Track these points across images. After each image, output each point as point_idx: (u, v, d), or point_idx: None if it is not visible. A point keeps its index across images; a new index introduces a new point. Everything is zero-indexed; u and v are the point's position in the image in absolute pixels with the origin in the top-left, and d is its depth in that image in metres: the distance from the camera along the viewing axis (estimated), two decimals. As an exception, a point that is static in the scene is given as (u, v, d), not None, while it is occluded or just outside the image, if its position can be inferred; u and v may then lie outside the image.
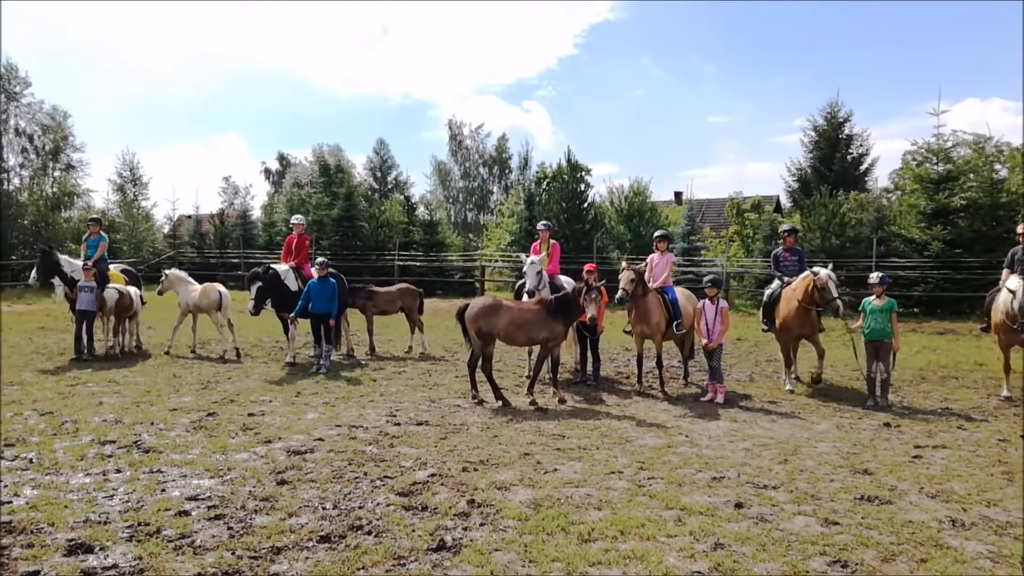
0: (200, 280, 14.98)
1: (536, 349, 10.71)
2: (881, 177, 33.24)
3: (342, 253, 31.55)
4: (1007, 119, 74.63)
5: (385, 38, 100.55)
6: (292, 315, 12.54)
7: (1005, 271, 10.95)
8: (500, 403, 9.55)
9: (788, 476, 6.63)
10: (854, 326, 10.49)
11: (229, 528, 5.28)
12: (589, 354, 11.67)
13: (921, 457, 7.37)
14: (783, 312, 11.02)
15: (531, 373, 11.71)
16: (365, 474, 6.59)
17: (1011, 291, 10.10)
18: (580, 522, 5.40)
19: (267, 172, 71.25)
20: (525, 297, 10.98)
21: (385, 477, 6.49)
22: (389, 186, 58.10)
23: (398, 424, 8.51)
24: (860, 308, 10.28)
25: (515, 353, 13.64)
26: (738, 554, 4.86)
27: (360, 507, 5.73)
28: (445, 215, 54.36)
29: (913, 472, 6.83)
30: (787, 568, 4.67)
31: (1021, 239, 10.99)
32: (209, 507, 5.69)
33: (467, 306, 10.04)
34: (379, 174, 59.92)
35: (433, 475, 6.55)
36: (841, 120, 32.19)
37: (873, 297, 10.14)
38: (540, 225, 12.70)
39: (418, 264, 31.52)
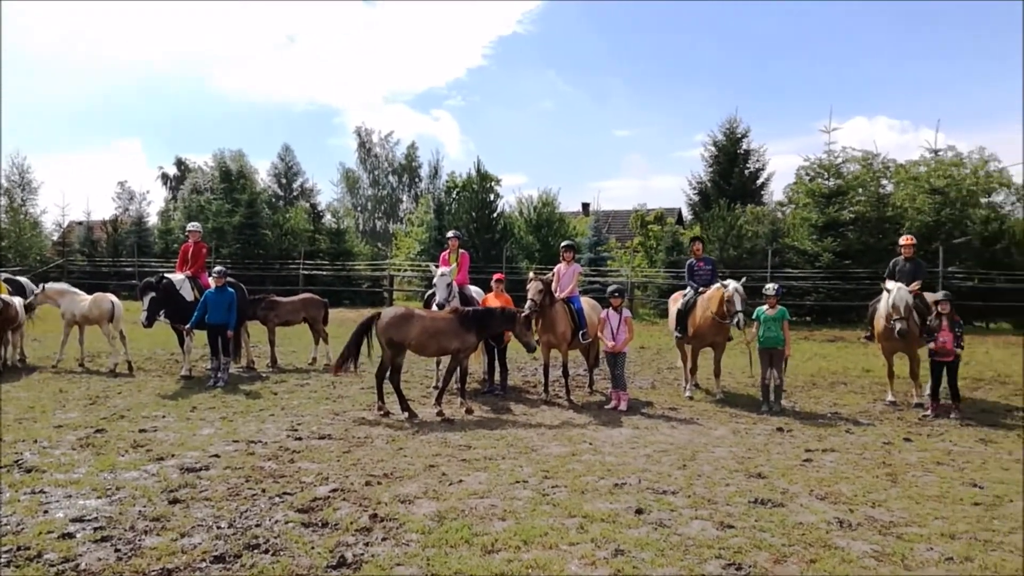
0: (91, 290, 14.25)
1: (445, 360, 10.69)
2: (776, 191, 34.77)
3: (244, 262, 30.65)
4: (892, 136, 79.25)
5: (292, 45, 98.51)
6: (188, 326, 12.07)
7: (886, 281, 11.60)
8: (406, 415, 9.46)
9: (687, 481, 6.81)
10: (749, 336, 10.90)
11: (117, 551, 5.03)
12: (496, 364, 11.72)
13: (811, 460, 7.70)
14: (698, 320, 11.33)
15: (439, 384, 11.68)
16: (263, 491, 6.40)
17: (887, 290, 10.70)
18: (484, 533, 5.40)
19: (164, 177, 68.49)
20: (435, 308, 10.93)
21: (284, 493, 6.32)
22: (294, 193, 56.75)
23: (299, 438, 8.31)
24: (754, 317, 10.69)
25: (423, 364, 13.55)
26: (638, 560, 4.96)
27: (257, 525, 5.56)
28: (353, 223, 53.52)
29: (804, 475, 7.13)
30: (684, 572, 4.80)
31: (902, 251, 11.67)
32: (95, 529, 5.42)
33: (373, 316, 9.91)
34: (284, 181, 58.45)
35: (335, 490, 6.43)
36: (739, 136, 33.46)
37: (766, 307, 10.56)
38: (450, 234, 12.69)
39: (324, 273, 30.91)
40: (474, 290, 12.53)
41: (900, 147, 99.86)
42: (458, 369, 10.05)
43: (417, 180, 67.05)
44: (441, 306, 10.85)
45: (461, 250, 12.47)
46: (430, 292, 12.10)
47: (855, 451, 8.15)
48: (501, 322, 10.06)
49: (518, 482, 6.71)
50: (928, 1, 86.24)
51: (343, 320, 21.96)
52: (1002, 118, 78.61)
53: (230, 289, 12.24)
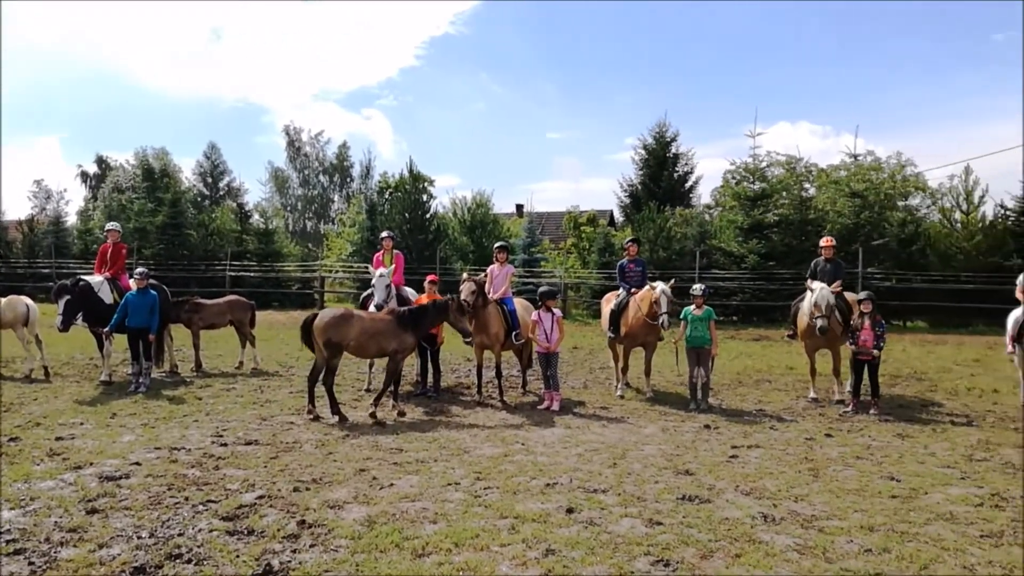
0: (5, 292, 13.59)
1: (378, 363, 10.56)
2: (704, 194, 35.55)
3: (167, 263, 29.73)
4: (815, 141, 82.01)
5: (218, 40, 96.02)
6: (107, 330, 11.61)
7: (809, 281, 11.96)
8: (337, 418, 9.30)
9: (617, 479, 6.88)
10: (677, 336, 11.09)
11: (31, 563, 4.81)
12: (430, 365, 11.64)
13: (737, 457, 7.88)
14: (630, 320, 11.47)
15: (371, 387, 11.55)
16: (186, 499, 6.19)
17: (811, 289, 11.04)
18: (415, 537, 5.34)
19: (84, 176, 65.94)
20: (372, 309, 10.82)
21: (208, 501, 6.14)
22: (221, 193, 55.42)
23: (225, 444, 8.08)
24: (682, 317, 10.89)
25: (355, 367, 13.36)
26: (568, 559, 4.98)
27: (180, 534, 5.38)
28: (282, 224, 52.50)
29: (730, 471, 7.29)
30: (614, 570, 4.84)
31: (823, 252, 12.07)
32: (8, 541, 5.16)
33: (314, 317, 9.73)
34: (210, 180, 57.05)
35: (261, 497, 6.27)
36: (668, 140, 34.11)
37: (694, 307, 10.78)
38: (383, 235, 12.59)
39: (252, 275, 30.22)
40: (409, 291, 12.44)
41: (822, 152, 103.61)
42: (386, 372, 9.94)
43: (349, 180, 66.25)
44: (379, 307, 10.75)
45: (396, 251, 12.38)
46: (366, 293, 12.01)
47: (779, 447, 8.37)
48: (435, 315, 10.01)
49: (450, 484, 6.67)
50: (848, 2, 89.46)
51: (271, 323, 21.54)
52: (918, 124, 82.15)
53: (152, 291, 11.84)
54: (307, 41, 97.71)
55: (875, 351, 10.42)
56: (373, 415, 9.40)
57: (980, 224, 26.67)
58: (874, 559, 5.08)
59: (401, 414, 9.70)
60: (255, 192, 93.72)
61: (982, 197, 27.91)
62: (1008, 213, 25.62)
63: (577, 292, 28.34)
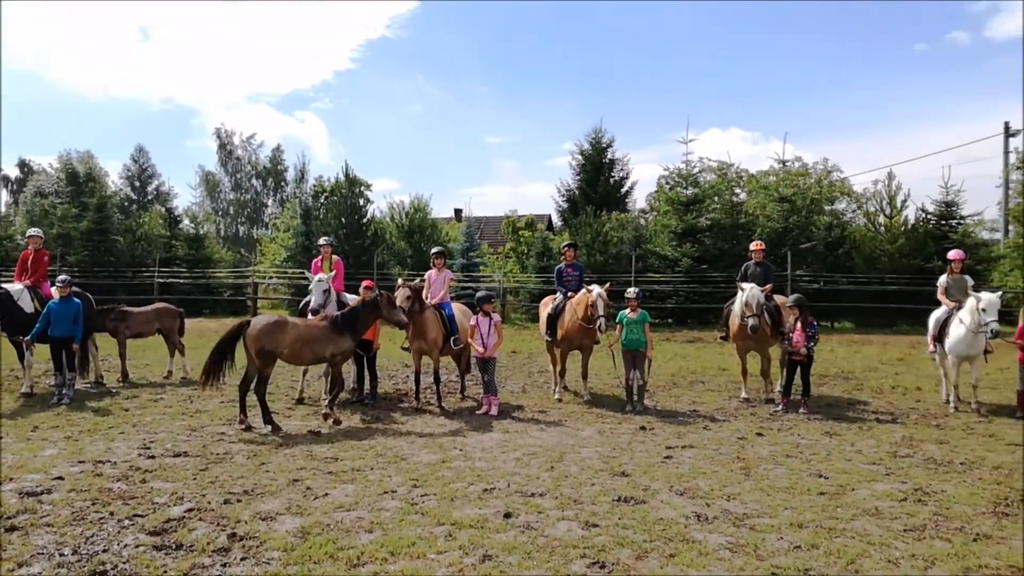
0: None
1: (313, 370, 10.36)
2: (640, 199, 36.09)
3: (92, 270, 28.67)
4: (745, 147, 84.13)
5: (146, 40, 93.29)
6: (28, 339, 11.13)
7: (740, 283, 12.22)
8: (270, 428, 9.09)
9: (554, 483, 6.91)
10: (613, 339, 11.20)
11: (-63, 590, 4.56)
12: (366, 372, 11.50)
13: (672, 457, 7.99)
14: (566, 324, 11.53)
15: (302, 396, 11.34)
16: (111, 514, 5.97)
17: (742, 289, 11.30)
18: (350, 547, 5.25)
19: (5, 180, 63.24)
20: (310, 316, 10.64)
21: (135, 516, 5.92)
22: (149, 197, 53.73)
23: (152, 457, 7.82)
24: (617, 320, 11.01)
25: (288, 375, 13.10)
26: (505, 564, 4.96)
27: (104, 551, 5.18)
28: (213, 229, 51.30)
29: (665, 472, 7.39)
30: (551, 573, 4.84)
31: (753, 255, 12.36)
32: (-89, 567, 4.88)
33: (242, 325, 9.48)
34: (137, 184, 55.22)
35: (190, 510, 6.09)
36: (604, 145, 34.46)
37: (629, 310, 10.91)
38: (322, 241, 12.47)
39: (182, 281, 29.39)
40: (349, 297, 12.27)
41: (752, 157, 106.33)
42: (328, 378, 9.79)
43: (283, 184, 65.02)
44: (315, 312, 10.59)
45: (335, 256, 12.23)
46: (305, 300, 11.82)
47: (712, 447, 8.52)
48: (368, 313, 9.89)
49: (386, 492, 6.58)
50: (778, 2, 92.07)
51: (202, 331, 20.98)
52: (843, 131, 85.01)
53: (76, 299, 11.40)
54: (239, 42, 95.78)
55: (802, 349, 10.67)
56: (329, 418, 9.43)
57: (903, 228, 27.69)
58: (803, 555, 5.20)
59: (337, 422, 9.54)
60: (185, 196, 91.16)
61: (904, 202, 29.05)
62: (929, 217, 26.66)
63: (516, 296, 28.41)
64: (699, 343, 20.21)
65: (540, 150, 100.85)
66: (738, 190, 29.20)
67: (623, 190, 34.95)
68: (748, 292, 11.07)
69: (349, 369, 11.92)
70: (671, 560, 5.09)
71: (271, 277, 31.15)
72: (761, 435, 9.15)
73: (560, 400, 11.44)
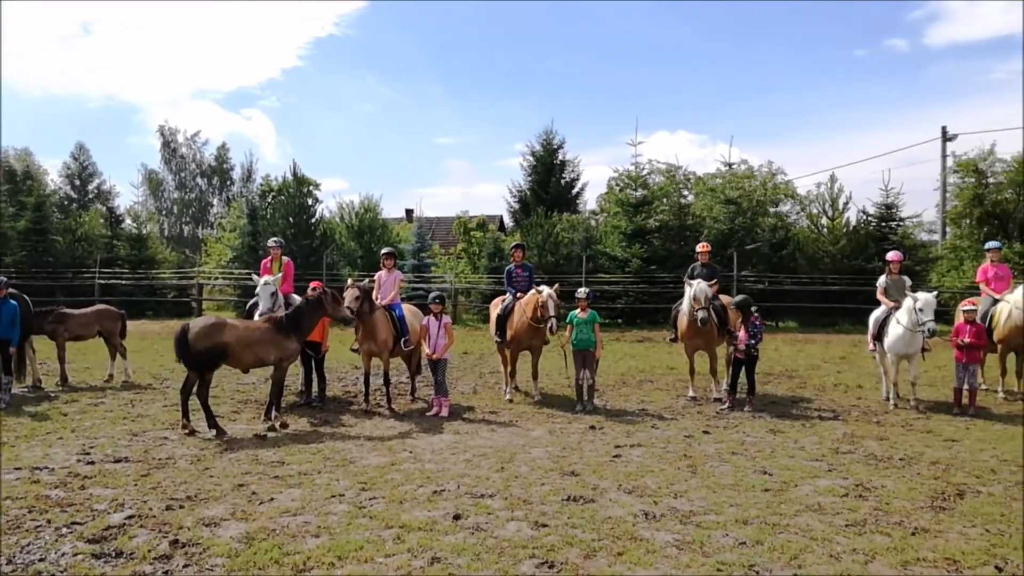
0: None
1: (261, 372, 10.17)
2: (590, 200, 36.33)
3: (30, 271, 27.75)
4: (692, 150, 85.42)
5: (86, 35, 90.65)
6: (-41, 343, 10.73)
7: (687, 280, 12.36)
8: (214, 432, 8.90)
9: (504, 483, 6.90)
10: (564, 339, 11.25)
11: None
12: (314, 375, 11.34)
13: (620, 456, 8.06)
14: (515, 325, 11.53)
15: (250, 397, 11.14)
16: (48, 522, 5.79)
17: (690, 285, 11.45)
18: (295, 552, 5.17)
19: (-66, 178, 60.82)
20: (257, 318, 10.46)
21: (73, 523, 5.75)
22: (90, 196, 52.27)
23: (92, 463, 7.59)
24: (568, 321, 11.07)
25: (233, 378, 12.86)
26: (454, 566, 4.94)
27: (41, 559, 5.04)
28: (157, 228, 50.07)
29: (613, 470, 7.44)
30: (499, 574, 4.84)
31: (699, 256, 12.56)
32: None
33: (184, 328, 9.26)
34: (77, 182, 53.73)
35: (131, 517, 5.93)
36: (555, 147, 34.59)
37: (579, 310, 10.97)
38: (271, 242, 12.31)
39: (124, 283, 28.61)
40: (298, 299, 12.08)
41: (699, 160, 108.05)
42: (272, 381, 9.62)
43: (229, 183, 63.77)
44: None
45: (285, 258, 12.06)
46: (252, 302, 11.62)
47: (660, 445, 8.62)
48: (313, 312, 9.72)
49: (334, 496, 6.50)
50: (721, 2, 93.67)
51: (145, 333, 20.51)
52: (788, 134, 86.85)
53: (12, 301, 11.04)
54: (184, 38, 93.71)
55: (743, 347, 10.85)
56: (277, 420, 9.27)
57: (844, 229, 28.41)
58: (748, 551, 5.29)
59: (284, 425, 9.39)
60: (127, 195, 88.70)
61: (846, 204, 29.85)
62: (870, 219, 27.41)
63: (468, 297, 28.35)
64: (648, 343, 20.43)
65: (492, 151, 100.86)
66: (686, 192, 29.63)
67: (574, 191, 35.15)
68: (696, 287, 11.23)
69: (297, 371, 11.76)
70: (619, 558, 5.13)
71: (217, 278, 30.53)
72: (707, 433, 9.29)
73: (511, 401, 11.45)
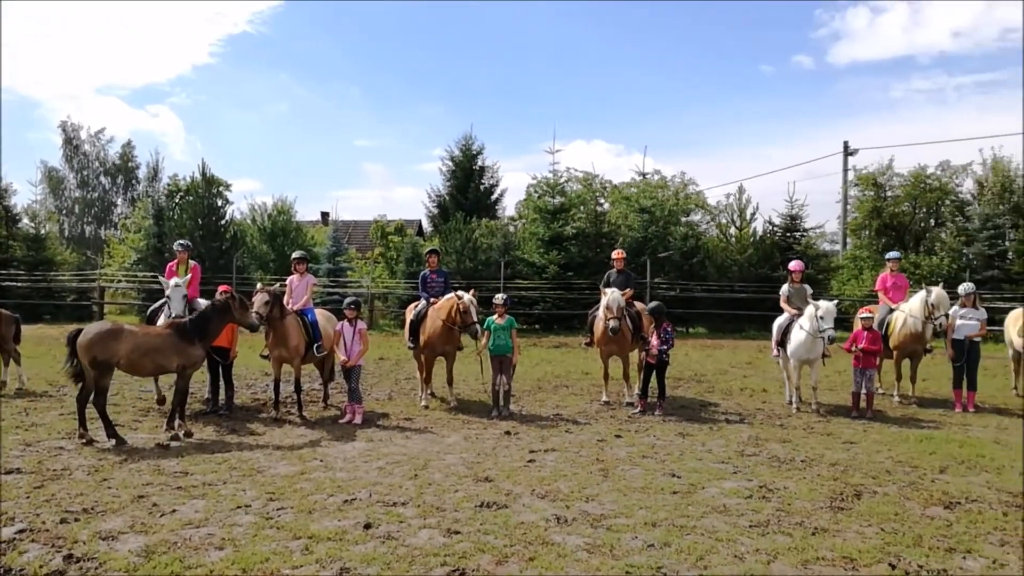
0: None
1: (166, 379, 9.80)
2: (509, 206, 36.43)
3: (-84, 272, 26.05)
4: (609, 159, 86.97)
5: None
6: None
7: (603, 288, 12.56)
8: (114, 442, 8.52)
9: (417, 491, 6.85)
10: (481, 344, 11.25)
11: None
12: (221, 381, 11.00)
13: (535, 461, 8.11)
14: (428, 330, 11.46)
15: (157, 405, 10.74)
16: (-73, 541, 5.43)
17: (605, 294, 11.66)
18: (198, 565, 5.00)
19: None
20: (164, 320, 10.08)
21: (-45, 541, 5.41)
22: (-17, 193, 49.32)
23: (-22, 476, 7.16)
24: (485, 326, 11.09)
25: (135, 384, 12.35)
26: (363, 575, 4.88)
27: (-86, 583, 4.70)
28: (56, 228, 47.70)
29: (527, 475, 7.49)
30: (410, 583, 4.80)
31: (614, 264, 12.80)
32: None
33: (75, 332, 8.83)
34: (-31, 179, 50.61)
35: (22, 531, 5.63)
36: (475, 152, 34.65)
37: (496, 316, 11.01)
38: (177, 245, 11.94)
39: (19, 285, 27.10)
40: (204, 304, 11.72)
41: (615, 169, 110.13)
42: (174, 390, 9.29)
43: (134, 182, 61.23)
44: None
45: (192, 261, 11.68)
46: (155, 306, 11.23)
47: (573, 449, 8.72)
48: (219, 317, 9.41)
49: (240, 507, 6.32)
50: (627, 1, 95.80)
51: (42, 338, 19.50)
52: (699, 146, 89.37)
53: None
54: (88, 31, 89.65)
55: (654, 351, 11.11)
56: (176, 436, 8.90)
57: (752, 239, 29.45)
58: (656, 553, 5.40)
59: (188, 434, 9.06)
60: (25, 193, 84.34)
61: (753, 214, 30.87)
62: (776, 229, 28.49)
63: (385, 302, 28.07)
64: (564, 348, 20.65)
65: (411, 155, 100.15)
66: (602, 200, 30.11)
67: (493, 197, 35.27)
68: (609, 296, 11.44)
69: (204, 378, 11.40)
70: (531, 563, 5.16)
71: (120, 281, 29.28)
72: (619, 437, 9.45)
73: (427, 407, 11.38)
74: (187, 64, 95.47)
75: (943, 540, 5.76)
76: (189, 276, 11.21)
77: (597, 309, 12.28)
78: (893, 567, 5.22)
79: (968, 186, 32.67)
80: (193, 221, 28.51)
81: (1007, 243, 26.74)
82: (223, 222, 29.42)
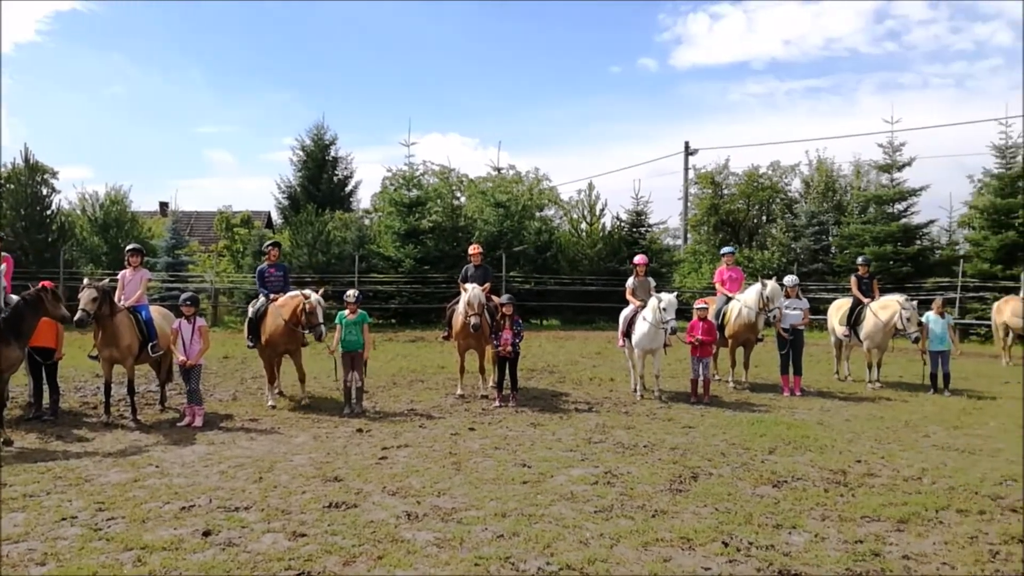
0: None
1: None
2: (364, 199, 35.85)
3: None
4: (465, 153, 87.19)
5: None
6: None
7: (462, 284, 12.56)
8: (-86, 455, 7.68)
9: (261, 494, 6.60)
10: (334, 342, 10.96)
11: None
12: (45, 384, 10.13)
13: (387, 458, 8.01)
14: (270, 328, 11.03)
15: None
16: None
17: (465, 290, 11.69)
18: (12, 587, 4.58)
19: None
20: None
21: None
22: None
23: None
24: (336, 321, 10.84)
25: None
26: (201, 586, 4.64)
27: None
28: None
29: (379, 473, 7.39)
30: (252, 590, 4.61)
31: (472, 258, 12.86)
32: None
33: None
34: None
35: None
36: (327, 143, 33.86)
37: (347, 312, 10.78)
38: None
39: None
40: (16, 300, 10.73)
41: (471, 163, 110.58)
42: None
43: (-54, 168, 55.49)
44: None
45: (4, 253, 10.63)
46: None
47: (426, 444, 8.69)
48: (32, 312, 8.65)
49: (65, 519, 5.85)
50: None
51: None
52: (552, 143, 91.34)
53: None
54: None
55: (509, 346, 11.28)
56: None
57: (601, 233, 30.55)
58: (505, 543, 5.47)
59: (7, 443, 8.30)
60: None
61: (603, 210, 32.08)
62: (623, 224, 29.69)
63: (230, 298, 26.87)
64: (421, 342, 20.57)
65: (258, 143, 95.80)
66: (458, 194, 30.27)
67: (347, 189, 34.62)
68: (471, 292, 11.47)
69: (25, 381, 10.48)
70: (379, 562, 5.09)
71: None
72: (473, 430, 9.51)
73: (274, 407, 10.97)
74: (9, 43, 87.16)
75: (771, 517, 6.17)
76: (3, 267, 10.20)
77: (456, 303, 12.29)
78: (726, 544, 5.53)
79: (796, 185, 35.43)
80: (15, 211, 26.07)
81: (830, 238, 29.12)
82: (49, 212, 27.07)
